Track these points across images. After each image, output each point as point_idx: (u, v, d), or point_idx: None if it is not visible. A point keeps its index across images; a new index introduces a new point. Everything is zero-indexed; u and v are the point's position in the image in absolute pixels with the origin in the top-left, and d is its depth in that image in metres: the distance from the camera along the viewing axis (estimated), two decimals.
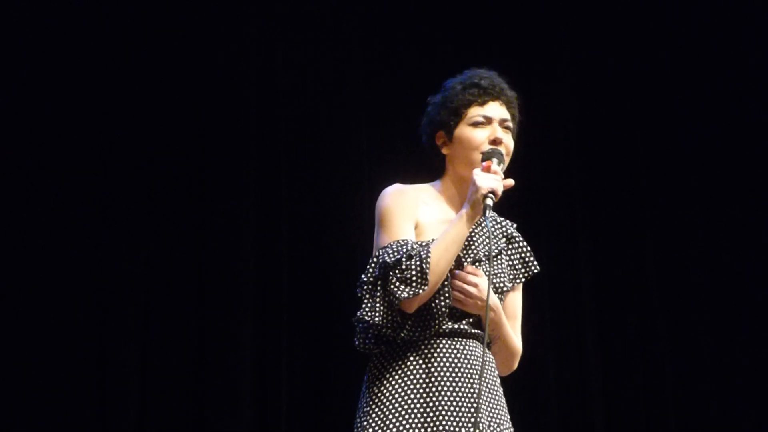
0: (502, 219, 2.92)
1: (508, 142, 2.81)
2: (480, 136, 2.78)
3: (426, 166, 2.89)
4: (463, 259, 2.72)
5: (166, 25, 4.85)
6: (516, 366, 2.85)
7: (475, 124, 2.80)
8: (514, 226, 2.94)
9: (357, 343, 2.70)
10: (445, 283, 2.65)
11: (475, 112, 2.80)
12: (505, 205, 2.87)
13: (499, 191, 2.67)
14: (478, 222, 2.78)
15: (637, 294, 5.28)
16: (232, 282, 4.74)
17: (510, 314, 2.83)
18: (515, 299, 2.88)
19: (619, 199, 5.37)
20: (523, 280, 2.90)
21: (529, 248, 2.92)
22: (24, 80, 4.65)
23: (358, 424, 2.67)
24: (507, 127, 2.82)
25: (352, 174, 4.95)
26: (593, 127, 5.40)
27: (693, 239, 5.36)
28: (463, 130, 2.80)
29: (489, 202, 2.65)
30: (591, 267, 5.26)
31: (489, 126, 2.80)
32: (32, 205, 4.59)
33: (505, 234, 2.90)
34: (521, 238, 2.92)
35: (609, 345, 5.20)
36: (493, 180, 2.67)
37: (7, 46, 4.67)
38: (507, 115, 2.83)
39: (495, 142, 2.77)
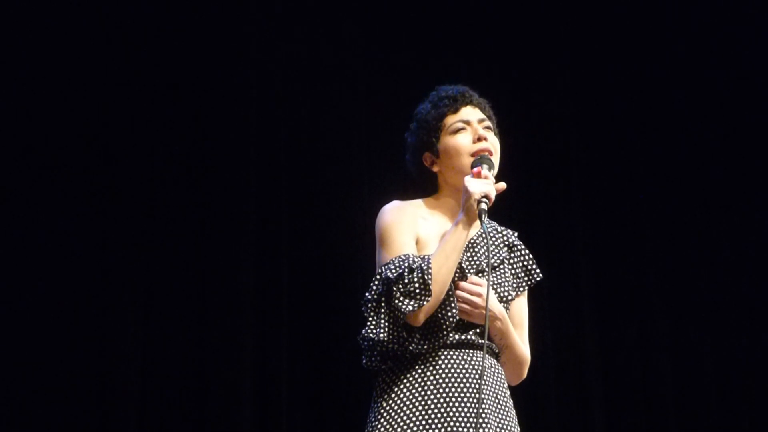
0: (502, 228, 2.92)
1: (493, 141, 2.82)
2: (464, 140, 2.80)
3: (421, 190, 2.88)
4: (467, 270, 2.72)
5: (166, 24, 4.84)
6: (525, 375, 2.84)
7: (456, 131, 2.81)
8: (515, 234, 2.93)
9: (364, 362, 2.69)
10: (450, 293, 2.64)
11: (452, 120, 2.82)
12: (506, 209, 2.86)
13: (492, 195, 2.67)
14: (479, 232, 2.78)
15: (637, 297, 5.28)
16: (232, 282, 4.74)
17: (516, 323, 2.82)
18: (520, 307, 2.87)
19: (619, 201, 5.36)
20: (527, 287, 2.89)
21: (531, 256, 2.92)
22: (24, 80, 4.65)
23: None
24: (487, 127, 2.83)
25: (353, 173, 4.95)
26: (593, 130, 5.40)
27: (693, 241, 5.36)
28: (447, 141, 2.81)
29: (483, 206, 2.64)
30: (591, 270, 5.25)
31: (469, 128, 2.81)
32: (32, 205, 4.58)
33: (506, 243, 2.89)
34: (523, 246, 2.92)
35: (609, 348, 5.20)
36: (484, 184, 2.67)
37: (7, 46, 4.66)
38: (483, 116, 2.85)
39: (480, 139, 2.78)
